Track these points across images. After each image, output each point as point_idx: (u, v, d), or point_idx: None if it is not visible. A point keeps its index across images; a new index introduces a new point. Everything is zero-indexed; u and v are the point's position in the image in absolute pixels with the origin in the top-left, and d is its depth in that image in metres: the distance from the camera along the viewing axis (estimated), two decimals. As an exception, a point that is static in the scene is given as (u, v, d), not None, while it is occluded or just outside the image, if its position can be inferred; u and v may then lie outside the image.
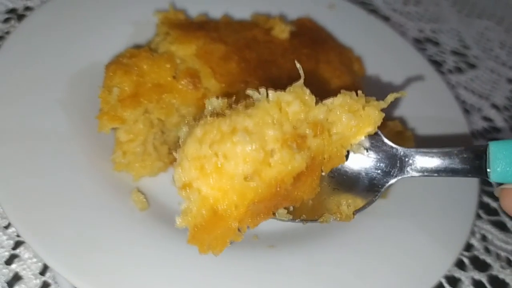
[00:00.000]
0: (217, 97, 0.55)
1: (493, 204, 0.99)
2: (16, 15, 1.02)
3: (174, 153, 0.54)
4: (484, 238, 0.93)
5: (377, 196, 0.63)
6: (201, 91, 0.82)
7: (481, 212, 0.97)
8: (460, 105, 1.08)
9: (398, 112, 1.01)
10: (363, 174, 0.64)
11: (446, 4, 1.52)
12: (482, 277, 0.86)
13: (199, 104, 0.81)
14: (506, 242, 0.93)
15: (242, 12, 1.07)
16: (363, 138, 0.59)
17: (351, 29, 1.14)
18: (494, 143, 0.57)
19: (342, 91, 0.56)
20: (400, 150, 0.63)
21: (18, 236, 0.72)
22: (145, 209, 0.75)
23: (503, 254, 0.91)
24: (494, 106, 1.24)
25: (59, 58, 0.86)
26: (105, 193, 0.74)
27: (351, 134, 0.57)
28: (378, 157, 0.63)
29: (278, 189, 0.53)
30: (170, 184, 0.81)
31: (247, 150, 0.51)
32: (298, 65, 0.55)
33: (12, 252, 0.71)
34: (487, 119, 1.20)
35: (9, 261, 0.70)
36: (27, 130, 0.75)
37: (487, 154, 0.57)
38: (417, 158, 0.62)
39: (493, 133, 1.17)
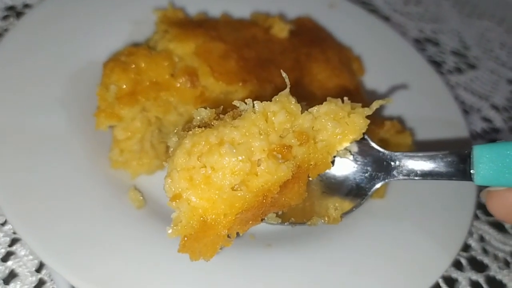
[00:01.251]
0: (205, 107, 0.57)
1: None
2: (15, 12, 1.02)
3: (164, 164, 0.56)
4: (481, 238, 0.93)
5: (364, 199, 0.64)
6: (199, 90, 0.81)
7: (479, 213, 0.97)
8: (459, 105, 1.08)
9: (397, 112, 1.01)
10: (351, 177, 0.65)
11: (446, 5, 1.52)
12: (479, 278, 0.86)
13: (197, 103, 0.81)
14: (503, 242, 0.93)
15: (241, 11, 1.07)
16: (348, 144, 0.60)
17: (351, 29, 1.14)
18: (477, 147, 0.57)
19: (328, 98, 0.58)
20: (387, 153, 0.64)
21: (14, 233, 0.72)
22: (142, 207, 0.75)
23: (500, 254, 0.91)
24: (494, 107, 1.24)
25: (57, 56, 0.86)
26: (102, 190, 0.74)
27: (336, 141, 0.59)
28: (365, 161, 0.64)
29: (265, 197, 0.54)
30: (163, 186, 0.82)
31: (234, 161, 0.52)
32: (284, 75, 0.56)
33: (8, 249, 0.71)
34: (486, 119, 1.20)
35: (5, 258, 0.70)
36: (25, 128, 0.75)
37: (471, 158, 0.57)
38: (403, 162, 0.63)
39: (492, 133, 1.17)
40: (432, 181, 0.85)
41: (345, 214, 0.64)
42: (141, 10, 0.98)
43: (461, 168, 0.59)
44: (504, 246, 0.92)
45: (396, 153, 0.64)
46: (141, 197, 0.76)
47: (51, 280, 0.69)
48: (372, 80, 1.08)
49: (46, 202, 0.68)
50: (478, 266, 0.88)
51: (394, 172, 0.63)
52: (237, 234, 0.57)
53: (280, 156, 0.54)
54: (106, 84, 0.78)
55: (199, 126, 0.55)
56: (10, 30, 0.87)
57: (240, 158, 0.52)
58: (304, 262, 0.73)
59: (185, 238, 0.53)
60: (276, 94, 0.57)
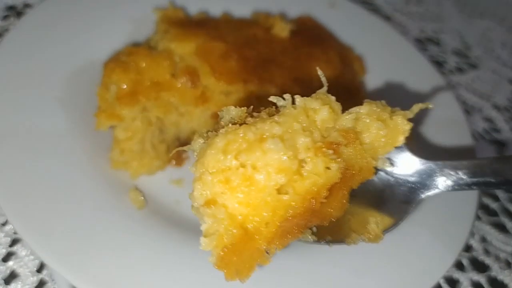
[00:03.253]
0: (235, 106, 0.50)
1: (493, 206, 0.99)
2: (15, 12, 1.02)
3: (190, 169, 0.48)
4: (483, 239, 0.93)
5: (407, 213, 0.59)
6: (200, 89, 0.81)
7: (480, 213, 0.97)
8: (461, 105, 1.08)
9: (398, 112, 1.00)
10: (391, 190, 0.59)
11: (448, 4, 1.51)
12: (481, 278, 0.86)
13: (197, 102, 0.81)
14: (505, 243, 0.93)
15: (242, 10, 1.07)
16: (392, 149, 0.54)
17: (352, 29, 1.13)
18: None
19: (366, 100, 0.52)
20: (428, 164, 0.59)
21: (15, 233, 0.72)
22: (143, 207, 0.75)
23: (502, 255, 0.91)
24: (495, 107, 1.23)
25: (57, 56, 0.86)
26: (103, 191, 0.73)
27: (380, 144, 0.53)
28: (405, 172, 0.59)
29: (312, 203, 0.47)
30: (167, 182, 0.82)
31: (280, 158, 0.45)
32: (320, 72, 0.51)
33: (9, 249, 0.71)
34: (487, 119, 1.20)
35: (6, 259, 0.70)
36: (25, 128, 0.75)
37: None
38: (446, 172, 0.58)
39: (493, 133, 1.17)
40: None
41: (388, 230, 0.58)
42: (141, 9, 0.98)
43: (510, 176, 0.55)
44: (505, 247, 0.92)
45: (438, 163, 0.59)
46: (142, 198, 0.76)
47: (52, 280, 0.69)
48: (373, 80, 1.08)
49: (46, 202, 0.68)
50: (479, 266, 0.88)
51: (437, 183, 0.58)
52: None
53: (331, 152, 0.47)
54: (106, 84, 0.77)
55: (230, 124, 0.48)
56: (11, 30, 0.87)
57: (287, 154, 0.45)
58: (306, 263, 0.73)
59: (224, 250, 0.45)
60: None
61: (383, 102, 0.53)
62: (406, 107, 1.00)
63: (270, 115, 0.49)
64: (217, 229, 0.46)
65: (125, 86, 0.76)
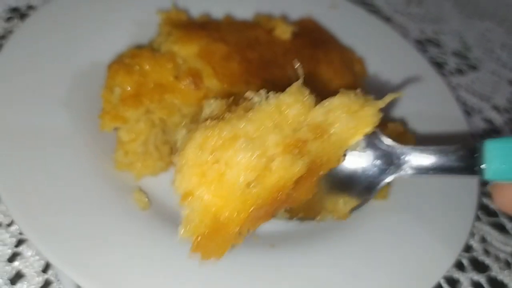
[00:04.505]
0: (216, 99, 0.55)
1: (493, 206, 1.00)
2: (19, 14, 1.02)
3: (174, 158, 0.53)
4: (483, 239, 0.94)
5: (372, 194, 0.63)
6: (203, 91, 0.82)
7: (480, 214, 0.97)
8: (460, 106, 1.09)
9: (399, 113, 1.01)
10: (360, 172, 0.63)
11: (448, 5, 1.52)
12: (481, 278, 0.87)
13: (201, 104, 0.82)
14: (505, 243, 0.94)
15: (244, 13, 1.07)
16: (361, 137, 0.58)
17: (352, 30, 1.14)
18: (489, 141, 0.57)
19: (341, 90, 0.56)
20: (397, 147, 0.62)
21: (20, 234, 0.72)
22: (147, 208, 0.76)
23: (502, 255, 0.92)
24: (495, 108, 1.24)
25: (61, 58, 0.87)
26: (107, 192, 0.74)
27: (349, 135, 0.57)
28: (375, 154, 0.63)
29: (279, 194, 0.52)
30: (171, 183, 0.83)
31: (249, 157, 0.50)
32: (297, 64, 0.55)
33: (15, 250, 0.71)
34: (487, 120, 1.21)
35: (11, 259, 0.70)
36: (30, 129, 0.76)
37: (482, 152, 0.57)
38: (413, 156, 0.61)
39: (493, 134, 1.18)
40: (433, 181, 0.88)
41: (354, 209, 0.63)
42: (144, 12, 0.98)
43: (471, 163, 0.58)
44: (505, 247, 0.93)
45: (407, 147, 0.62)
46: (146, 198, 0.76)
47: (58, 280, 0.70)
48: (374, 81, 1.09)
49: (52, 203, 0.69)
50: (479, 266, 0.88)
51: (404, 167, 0.62)
52: (247, 231, 0.55)
53: (296, 151, 0.52)
54: (110, 86, 0.78)
55: (210, 119, 0.53)
56: (15, 32, 0.87)
57: (255, 153, 0.50)
58: (307, 262, 0.74)
59: (199, 238, 0.51)
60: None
61: (358, 91, 0.56)
62: (406, 107, 1.02)
63: (247, 110, 0.53)
64: (193, 219, 0.51)
65: (129, 88, 0.77)
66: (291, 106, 0.53)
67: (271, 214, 0.56)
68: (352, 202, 0.63)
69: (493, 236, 0.94)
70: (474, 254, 0.90)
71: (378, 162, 0.63)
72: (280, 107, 0.53)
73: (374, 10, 1.39)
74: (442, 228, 0.82)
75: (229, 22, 1.00)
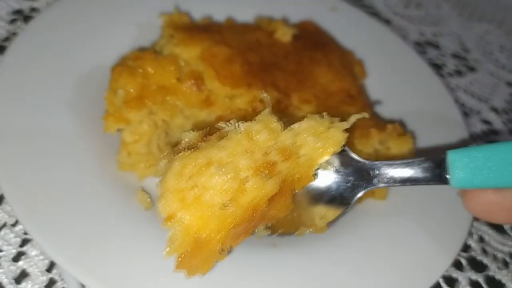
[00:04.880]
0: (192, 130, 0.60)
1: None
2: (22, 16, 1.03)
3: (156, 186, 0.59)
4: (481, 239, 0.95)
5: (348, 208, 0.68)
6: (205, 93, 0.83)
7: (478, 214, 0.98)
8: (459, 108, 1.10)
9: (397, 115, 1.02)
10: (334, 188, 0.68)
11: (447, 8, 1.54)
12: (479, 278, 0.88)
13: (203, 106, 0.83)
14: (502, 243, 0.95)
15: (245, 15, 1.08)
16: (329, 157, 0.63)
17: (352, 32, 1.15)
18: (451, 152, 0.60)
19: (308, 115, 0.61)
20: (367, 163, 0.67)
21: (25, 233, 0.73)
22: (150, 208, 0.77)
23: (499, 255, 0.93)
24: (493, 109, 1.25)
25: (65, 60, 0.88)
26: (111, 192, 0.75)
27: (317, 154, 0.62)
28: (347, 171, 0.67)
29: (254, 212, 0.57)
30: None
31: (222, 180, 0.55)
32: (264, 95, 0.60)
33: (20, 249, 0.72)
34: (486, 122, 1.22)
35: (16, 258, 0.71)
36: (35, 130, 0.77)
37: (446, 163, 0.60)
38: (382, 170, 0.66)
39: (491, 135, 1.19)
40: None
41: (330, 223, 0.68)
42: (147, 15, 1.00)
43: (437, 173, 0.62)
44: (503, 247, 0.94)
45: (375, 162, 0.67)
46: (149, 199, 0.77)
47: (62, 279, 0.71)
48: (373, 83, 1.10)
49: (56, 203, 0.70)
50: (477, 266, 0.90)
51: (375, 181, 0.66)
52: (230, 248, 0.59)
53: (266, 172, 0.57)
54: (114, 88, 0.79)
55: (187, 148, 0.58)
56: (19, 34, 0.88)
57: (228, 176, 0.55)
58: (308, 262, 0.75)
59: (182, 256, 0.56)
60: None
61: (324, 114, 0.61)
62: (405, 109, 1.03)
63: (220, 138, 0.58)
64: (176, 239, 0.56)
65: (132, 90, 0.78)
66: (259, 132, 0.58)
67: (250, 231, 0.61)
68: (328, 216, 0.68)
69: (491, 236, 0.95)
70: (472, 253, 0.91)
71: (350, 178, 0.67)
72: (249, 134, 0.58)
73: (373, 13, 1.40)
74: (440, 228, 0.83)
75: (230, 25, 1.01)
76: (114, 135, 0.80)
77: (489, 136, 1.18)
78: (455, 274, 0.87)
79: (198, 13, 1.05)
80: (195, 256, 0.56)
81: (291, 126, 0.60)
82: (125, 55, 0.87)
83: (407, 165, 0.64)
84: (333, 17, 1.17)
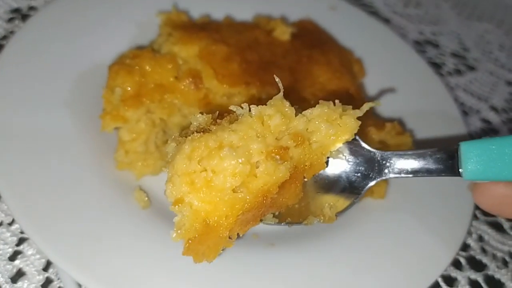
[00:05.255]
0: (201, 113, 0.58)
1: (490, 205, 1.00)
2: (20, 14, 1.03)
3: (163, 169, 0.56)
4: (480, 238, 0.94)
5: (358, 198, 0.66)
6: (203, 92, 0.83)
7: (477, 213, 0.98)
8: (459, 107, 1.09)
9: (396, 113, 1.02)
10: (344, 177, 0.67)
11: (446, 7, 1.53)
12: (478, 277, 0.87)
13: (201, 105, 0.83)
14: (502, 242, 0.94)
15: (244, 14, 1.08)
16: (341, 145, 0.61)
17: (351, 31, 1.15)
18: (464, 143, 0.59)
19: (320, 101, 0.59)
20: (378, 153, 0.66)
21: (21, 232, 0.73)
22: (147, 207, 0.77)
23: (499, 254, 0.92)
24: (493, 108, 1.25)
25: (63, 58, 0.87)
26: (108, 191, 0.75)
27: (330, 142, 0.60)
28: (357, 161, 0.66)
29: (264, 198, 0.55)
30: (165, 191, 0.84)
31: (234, 164, 0.53)
32: (277, 79, 0.58)
33: (16, 248, 0.72)
34: (485, 121, 1.21)
35: (12, 257, 0.71)
36: (31, 129, 0.76)
37: (459, 154, 0.59)
38: (394, 160, 0.65)
39: (491, 134, 1.18)
40: (431, 182, 0.88)
41: (340, 213, 0.66)
42: (145, 13, 0.99)
43: (449, 165, 0.61)
44: (502, 246, 0.94)
45: (387, 152, 0.66)
46: (146, 198, 0.77)
47: (58, 278, 0.70)
48: (372, 82, 1.09)
49: (53, 201, 0.70)
50: (477, 265, 0.89)
51: (386, 171, 0.65)
52: (237, 235, 0.58)
53: (278, 157, 0.55)
54: (111, 86, 0.79)
55: (196, 131, 0.56)
56: (16, 33, 0.88)
57: (239, 160, 0.53)
58: (306, 261, 0.74)
59: (189, 241, 0.54)
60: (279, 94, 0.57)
61: (337, 101, 0.59)
62: (405, 108, 1.03)
63: (231, 122, 0.57)
64: (184, 224, 0.54)
65: (129, 89, 0.78)
66: (272, 117, 0.56)
67: (259, 218, 0.59)
68: (337, 206, 0.66)
69: (491, 235, 0.95)
70: (472, 253, 0.91)
71: (361, 168, 0.66)
72: (262, 118, 0.56)
73: (372, 11, 1.40)
74: (440, 227, 0.83)
75: (229, 23, 1.01)
76: (111, 134, 0.80)
77: (488, 135, 1.18)
78: (454, 273, 0.87)
79: (196, 12, 1.05)
80: (203, 242, 0.55)
81: (304, 112, 0.58)
82: (123, 54, 0.86)
83: (419, 155, 0.63)
84: (332, 16, 1.16)
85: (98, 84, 0.83)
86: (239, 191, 0.54)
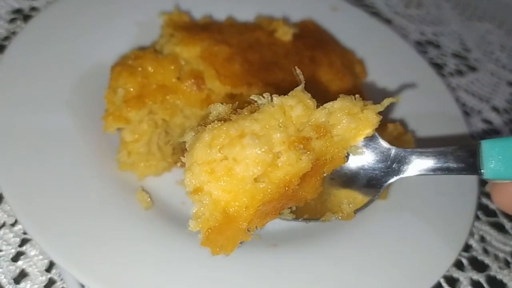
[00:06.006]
0: (222, 103, 0.57)
1: (492, 206, 1.00)
2: (22, 15, 1.03)
3: (182, 158, 0.55)
4: (482, 239, 0.94)
5: (376, 196, 0.65)
6: (205, 92, 0.83)
7: (480, 214, 0.98)
8: (460, 107, 1.09)
9: (398, 114, 1.02)
10: (362, 174, 0.66)
11: (447, 7, 1.53)
12: (480, 278, 0.88)
13: (203, 105, 0.83)
14: (504, 243, 0.94)
15: (245, 14, 1.08)
16: (361, 139, 0.61)
17: (353, 32, 1.15)
18: (486, 141, 0.58)
19: (341, 95, 0.58)
20: (397, 150, 0.65)
21: (24, 233, 0.73)
22: (150, 208, 0.77)
23: (501, 255, 0.92)
24: (494, 109, 1.25)
25: (64, 59, 0.87)
26: (111, 192, 0.75)
27: (350, 136, 0.59)
28: (376, 158, 0.65)
29: (286, 189, 0.54)
30: (174, 183, 0.84)
31: (256, 152, 0.52)
32: (298, 71, 0.57)
33: (19, 249, 0.72)
34: (487, 121, 1.22)
35: (15, 258, 0.71)
36: (34, 130, 0.76)
37: (480, 152, 0.58)
38: (413, 158, 0.64)
39: (492, 135, 1.18)
40: (433, 182, 0.88)
41: (358, 210, 0.65)
42: (147, 14, 0.99)
43: (470, 163, 0.60)
44: (504, 247, 0.94)
45: (407, 150, 0.65)
46: (149, 198, 0.77)
47: (61, 279, 0.70)
48: (374, 82, 1.09)
49: (56, 203, 0.70)
50: (479, 266, 0.89)
51: (405, 168, 0.64)
52: (255, 228, 0.56)
53: (301, 147, 0.54)
54: (113, 87, 0.79)
55: (217, 120, 0.54)
56: (19, 33, 0.88)
57: (262, 149, 0.52)
58: (308, 261, 0.74)
59: (209, 231, 0.53)
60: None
61: (357, 96, 0.58)
62: (406, 108, 1.03)
63: (252, 112, 0.55)
64: (203, 213, 0.52)
65: (132, 89, 0.78)
66: (294, 108, 0.55)
67: (278, 211, 0.58)
68: (356, 203, 0.65)
69: (493, 235, 0.95)
70: (474, 253, 0.91)
71: (380, 165, 0.65)
72: (283, 108, 0.55)
73: (374, 12, 1.40)
74: (442, 228, 0.83)
75: (231, 24, 1.01)
76: (113, 135, 0.80)
77: (490, 136, 1.18)
78: (457, 274, 0.87)
79: (198, 12, 1.05)
80: (222, 233, 0.53)
81: (325, 104, 0.57)
82: (125, 54, 0.86)
83: (439, 154, 0.62)
84: (333, 17, 1.16)
85: (100, 84, 0.83)
86: (260, 181, 0.53)
